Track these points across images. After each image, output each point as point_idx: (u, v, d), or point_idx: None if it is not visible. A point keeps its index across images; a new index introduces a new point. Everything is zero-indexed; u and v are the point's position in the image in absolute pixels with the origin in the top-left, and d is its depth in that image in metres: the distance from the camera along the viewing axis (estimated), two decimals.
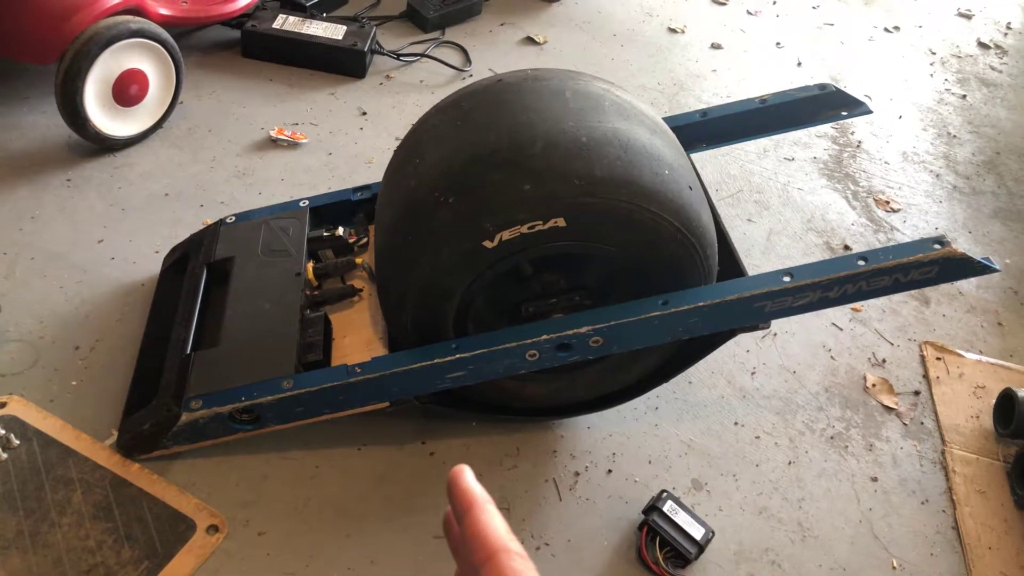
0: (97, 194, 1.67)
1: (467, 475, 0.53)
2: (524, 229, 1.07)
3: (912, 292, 1.79)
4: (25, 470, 1.21)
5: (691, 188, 1.15)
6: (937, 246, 1.13)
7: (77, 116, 1.63)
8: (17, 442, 1.23)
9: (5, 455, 1.22)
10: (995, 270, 1.15)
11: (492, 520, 0.50)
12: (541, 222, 1.07)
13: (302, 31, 2.07)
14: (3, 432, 1.24)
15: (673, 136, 1.23)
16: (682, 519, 1.26)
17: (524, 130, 1.09)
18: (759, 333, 1.62)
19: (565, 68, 1.29)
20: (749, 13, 2.75)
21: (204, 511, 1.21)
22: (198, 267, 1.42)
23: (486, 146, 1.10)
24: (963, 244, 1.99)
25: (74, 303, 1.46)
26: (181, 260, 1.50)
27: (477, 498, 0.52)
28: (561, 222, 1.07)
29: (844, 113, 1.50)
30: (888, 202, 2.06)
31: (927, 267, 1.14)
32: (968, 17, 2.96)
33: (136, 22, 1.64)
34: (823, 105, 1.49)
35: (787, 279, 1.15)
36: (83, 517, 1.17)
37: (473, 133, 1.13)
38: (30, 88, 1.87)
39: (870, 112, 1.50)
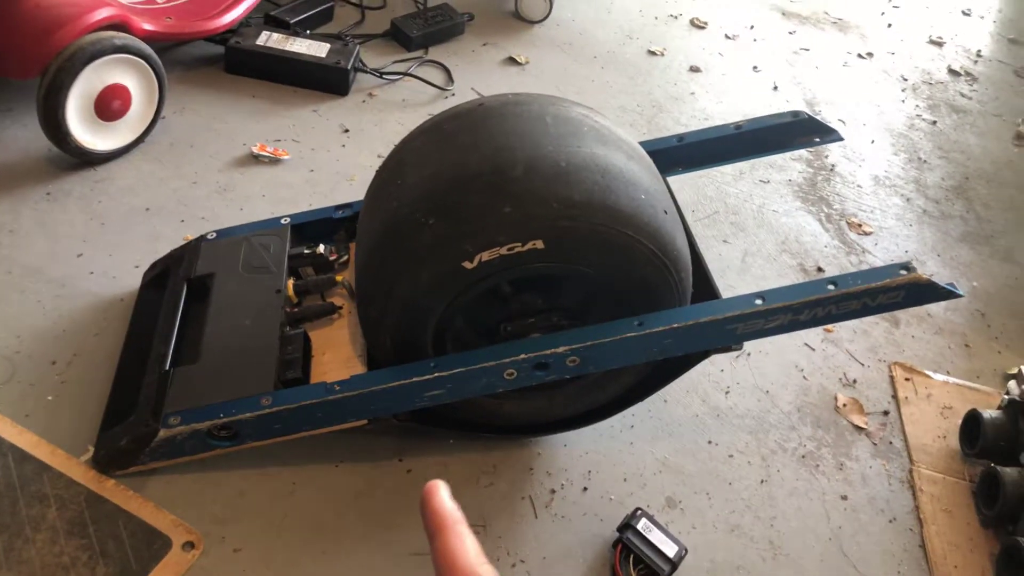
0: (77, 208, 1.67)
1: (440, 493, 0.51)
2: (503, 251, 1.09)
3: (882, 314, 1.83)
4: None
5: (666, 212, 1.17)
6: (903, 272, 1.17)
7: (59, 130, 1.63)
8: None
9: None
10: (959, 295, 1.19)
11: (463, 543, 0.49)
12: (520, 244, 1.09)
13: (286, 48, 2.09)
14: None
15: (650, 161, 1.26)
16: (656, 537, 1.27)
17: (505, 154, 1.11)
18: (733, 353, 1.65)
19: (546, 92, 1.31)
20: (727, 37, 2.80)
21: (180, 527, 1.21)
22: (178, 283, 1.43)
23: (468, 169, 1.12)
24: (932, 267, 2.04)
25: (52, 317, 1.46)
26: (161, 275, 1.50)
27: (448, 519, 0.50)
28: (540, 244, 1.09)
29: (817, 140, 1.54)
30: (860, 225, 2.11)
31: (894, 292, 1.17)
32: (939, 45, 3.04)
33: (120, 38, 1.65)
34: (796, 132, 1.53)
35: (759, 302, 1.18)
36: (58, 533, 1.17)
37: (455, 156, 1.15)
38: (11, 101, 1.86)
39: (841, 139, 1.54)
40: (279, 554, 1.22)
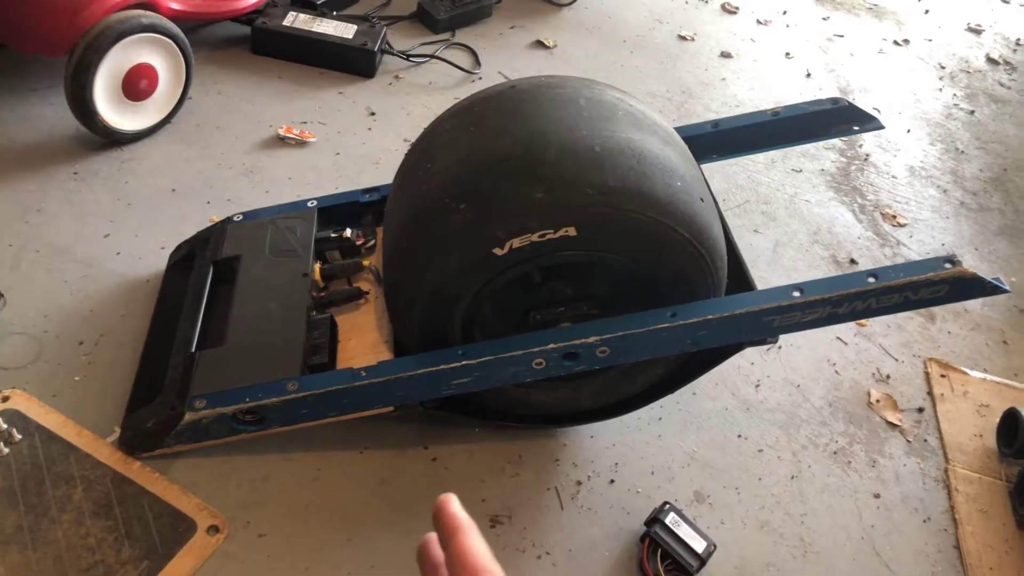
0: (104, 188, 1.66)
1: (454, 502, 0.57)
2: (535, 237, 1.06)
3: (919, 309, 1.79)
4: (26, 465, 1.20)
5: (703, 200, 1.14)
6: (948, 265, 1.13)
7: (86, 109, 1.63)
8: (19, 437, 1.23)
9: (7, 450, 1.21)
10: (1005, 290, 1.15)
11: (477, 544, 0.53)
12: (552, 231, 1.06)
13: (312, 29, 2.07)
14: (5, 426, 1.23)
15: (685, 147, 1.23)
16: (684, 531, 1.25)
17: (537, 138, 1.09)
18: (764, 346, 1.62)
19: (578, 75, 1.28)
20: (759, 22, 2.75)
21: (205, 511, 1.21)
22: (205, 265, 1.42)
23: (499, 153, 1.09)
24: (969, 261, 1.98)
25: (78, 298, 1.46)
26: (187, 257, 1.49)
27: (463, 523, 0.55)
28: (572, 231, 1.06)
29: (856, 128, 1.49)
30: (895, 216, 2.06)
31: (937, 286, 1.14)
32: (978, 32, 2.96)
33: (147, 17, 1.64)
34: (835, 119, 1.49)
35: (797, 294, 1.14)
36: (84, 514, 1.17)
37: (486, 139, 1.13)
38: (39, 80, 1.86)
39: (882, 127, 1.50)
40: (303, 540, 1.21)
